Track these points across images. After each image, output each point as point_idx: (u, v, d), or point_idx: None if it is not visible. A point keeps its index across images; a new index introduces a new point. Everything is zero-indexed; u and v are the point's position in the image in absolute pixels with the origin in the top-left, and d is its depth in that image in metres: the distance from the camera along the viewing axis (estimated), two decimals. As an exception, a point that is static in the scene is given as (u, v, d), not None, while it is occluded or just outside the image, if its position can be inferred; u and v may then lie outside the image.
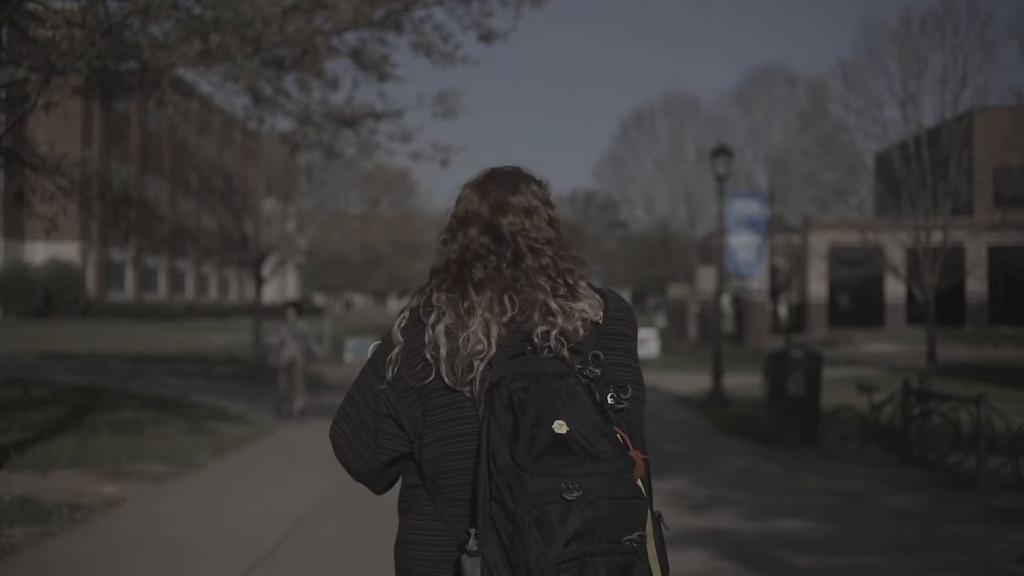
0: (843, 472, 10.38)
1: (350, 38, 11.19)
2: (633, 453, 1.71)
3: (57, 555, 6.35)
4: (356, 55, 11.54)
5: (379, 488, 2.05)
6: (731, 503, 8.61)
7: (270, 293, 57.92)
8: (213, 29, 8.73)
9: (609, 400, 1.73)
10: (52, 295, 41.25)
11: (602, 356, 1.79)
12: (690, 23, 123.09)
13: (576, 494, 1.61)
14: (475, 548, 1.69)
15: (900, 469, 10.59)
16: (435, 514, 1.87)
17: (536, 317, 1.83)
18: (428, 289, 1.94)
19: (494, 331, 1.83)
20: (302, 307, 14.88)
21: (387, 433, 1.92)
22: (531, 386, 1.73)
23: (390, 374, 1.90)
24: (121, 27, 8.02)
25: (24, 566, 6.07)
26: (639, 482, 1.71)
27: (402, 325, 1.93)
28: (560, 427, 1.67)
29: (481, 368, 1.81)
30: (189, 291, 59.46)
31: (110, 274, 50.20)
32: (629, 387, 1.77)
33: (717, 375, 17.70)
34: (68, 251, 43.54)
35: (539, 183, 2.01)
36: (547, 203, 1.99)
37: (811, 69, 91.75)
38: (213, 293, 63.63)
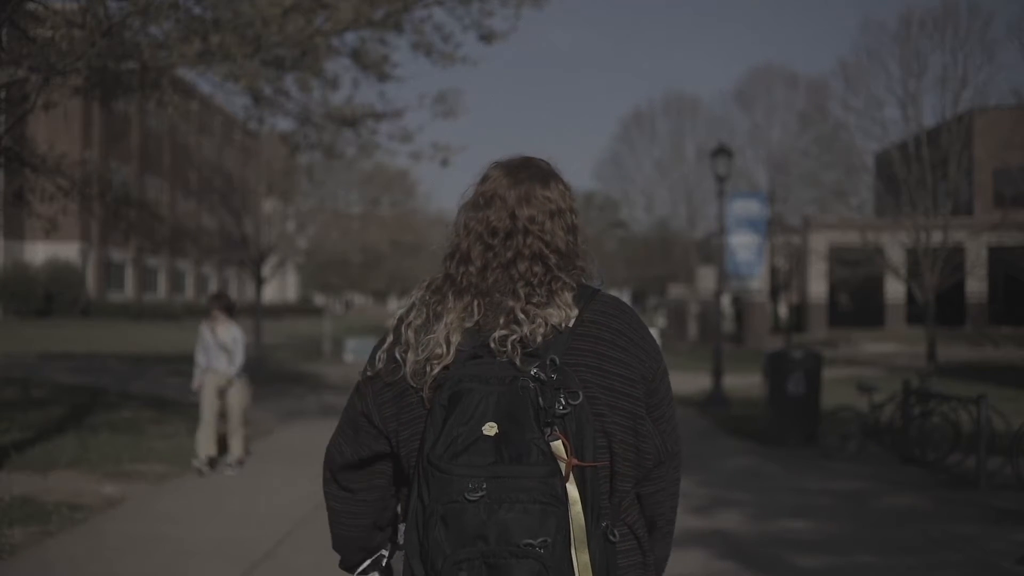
0: (843, 472, 10.38)
1: (350, 38, 11.22)
2: (568, 460, 1.69)
3: (57, 555, 6.35)
4: (356, 55, 11.55)
5: (353, 484, 2.02)
6: (731, 503, 8.61)
7: (270, 293, 57.97)
8: (213, 29, 8.74)
9: (556, 405, 1.71)
10: (52, 295, 41.26)
11: (559, 361, 1.76)
12: (690, 23, 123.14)
13: (479, 494, 1.63)
14: (401, 542, 1.77)
15: (900, 469, 10.59)
16: None
17: (500, 322, 1.83)
18: (423, 285, 1.95)
19: (455, 339, 1.84)
20: (235, 305, 10.03)
21: (365, 431, 1.96)
22: (474, 388, 1.73)
23: (378, 366, 1.93)
24: (121, 27, 8.03)
25: (24, 566, 6.07)
26: (568, 489, 1.69)
27: (393, 324, 1.96)
28: (490, 429, 1.69)
29: (435, 372, 1.82)
30: (189, 291, 59.49)
31: (110, 274, 50.23)
32: (580, 393, 1.74)
33: (717, 375, 17.70)
34: (68, 251, 43.56)
35: (566, 185, 1.99)
36: (572, 209, 1.97)
37: (811, 69, 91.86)
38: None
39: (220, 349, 9.57)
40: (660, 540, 2.01)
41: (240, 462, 9.71)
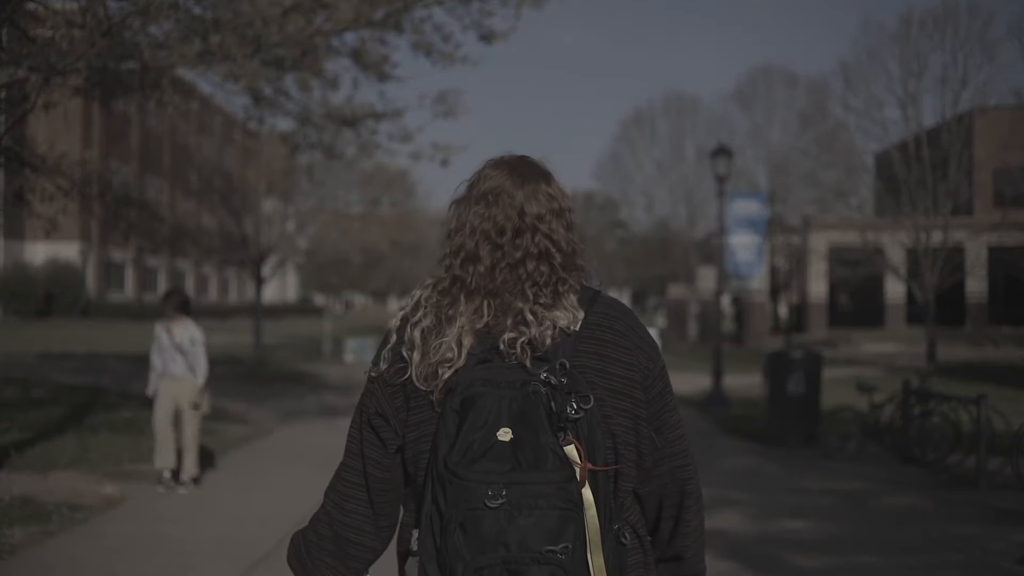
0: (843, 472, 10.38)
1: (350, 38, 11.20)
2: (583, 464, 1.69)
3: (57, 555, 6.35)
4: (356, 55, 11.54)
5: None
6: (731, 503, 8.61)
7: (270, 293, 57.96)
8: (213, 29, 8.75)
9: (568, 410, 1.71)
10: (52, 295, 41.28)
11: (568, 365, 1.76)
12: (690, 23, 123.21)
13: (500, 501, 1.62)
14: (415, 548, 1.75)
15: (900, 469, 10.59)
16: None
17: (508, 323, 1.81)
18: (427, 284, 1.93)
19: (467, 341, 1.82)
20: (189, 302, 8.96)
21: (370, 442, 1.93)
22: (486, 392, 1.72)
23: (382, 366, 1.91)
24: (121, 27, 8.03)
25: (24, 566, 6.07)
26: (583, 493, 1.69)
27: (396, 323, 1.94)
28: (504, 435, 1.68)
29: (446, 376, 1.80)
30: (189, 291, 59.43)
31: (110, 274, 50.25)
32: (591, 397, 1.73)
33: (717, 375, 17.70)
34: (68, 251, 43.57)
35: (560, 183, 1.97)
36: (570, 207, 1.95)
37: (811, 69, 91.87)
38: (213, 293, 63.68)
39: (176, 351, 8.56)
40: (695, 512, 1.99)
41: (195, 480, 8.76)
